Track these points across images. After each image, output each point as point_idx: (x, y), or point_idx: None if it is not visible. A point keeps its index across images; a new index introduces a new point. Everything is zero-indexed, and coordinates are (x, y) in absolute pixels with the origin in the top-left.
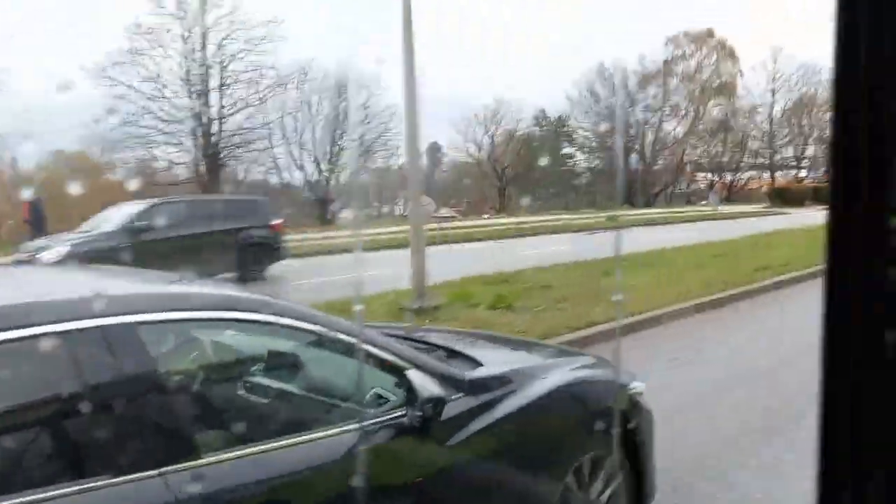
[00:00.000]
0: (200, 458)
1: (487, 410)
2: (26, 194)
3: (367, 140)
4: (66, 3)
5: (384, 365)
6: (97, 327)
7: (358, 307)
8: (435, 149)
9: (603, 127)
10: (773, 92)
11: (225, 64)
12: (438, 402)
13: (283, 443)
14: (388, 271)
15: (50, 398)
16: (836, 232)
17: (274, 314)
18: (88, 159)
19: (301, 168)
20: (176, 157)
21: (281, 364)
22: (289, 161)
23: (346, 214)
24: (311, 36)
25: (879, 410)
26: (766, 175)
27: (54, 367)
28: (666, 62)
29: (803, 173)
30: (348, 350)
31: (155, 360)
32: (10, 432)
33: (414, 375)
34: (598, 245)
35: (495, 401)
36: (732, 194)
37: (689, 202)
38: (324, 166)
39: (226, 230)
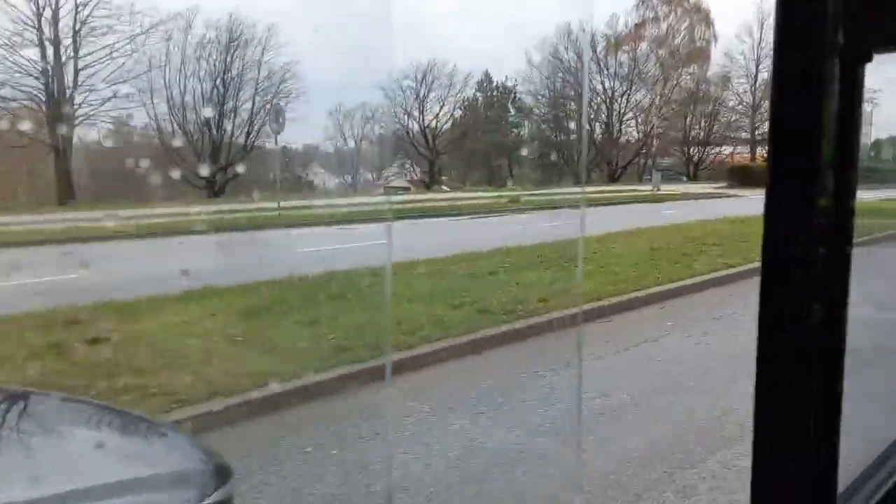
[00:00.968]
0: None
1: None
2: None
3: (260, 103)
4: None
5: None
6: None
7: None
8: (277, 111)
9: (565, 94)
10: (758, 61)
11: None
12: None
13: None
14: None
15: None
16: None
17: None
18: None
19: (184, 132)
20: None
21: None
22: (167, 123)
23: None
24: None
25: (811, 389)
26: (746, 150)
27: None
28: (637, 25)
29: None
30: None
31: None
32: None
33: None
34: (459, 236)
35: None
36: (701, 170)
37: (642, 180)
38: (206, 130)
39: None
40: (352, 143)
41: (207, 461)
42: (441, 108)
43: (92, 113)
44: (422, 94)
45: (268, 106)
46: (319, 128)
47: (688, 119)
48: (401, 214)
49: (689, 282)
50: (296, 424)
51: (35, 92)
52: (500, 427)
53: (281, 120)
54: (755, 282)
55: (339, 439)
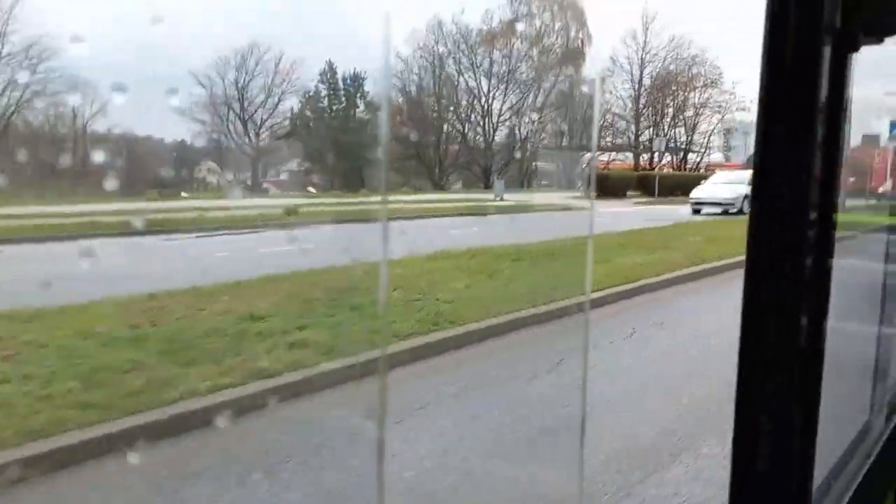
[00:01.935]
0: None
1: None
2: None
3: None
4: None
5: None
6: None
7: None
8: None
9: (432, 91)
10: (642, 65)
11: None
12: None
13: None
14: None
15: None
16: (758, 221)
17: None
18: None
19: None
20: None
21: None
22: None
23: None
24: None
25: (791, 392)
26: (625, 157)
27: None
28: (511, 21)
29: (658, 158)
30: None
31: None
32: None
33: None
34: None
35: None
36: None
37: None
38: None
39: None
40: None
41: None
42: (266, 98)
43: None
44: (242, 83)
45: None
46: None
47: (560, 122)
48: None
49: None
50: None
51: None
52: None
53: None
54: None
55: None
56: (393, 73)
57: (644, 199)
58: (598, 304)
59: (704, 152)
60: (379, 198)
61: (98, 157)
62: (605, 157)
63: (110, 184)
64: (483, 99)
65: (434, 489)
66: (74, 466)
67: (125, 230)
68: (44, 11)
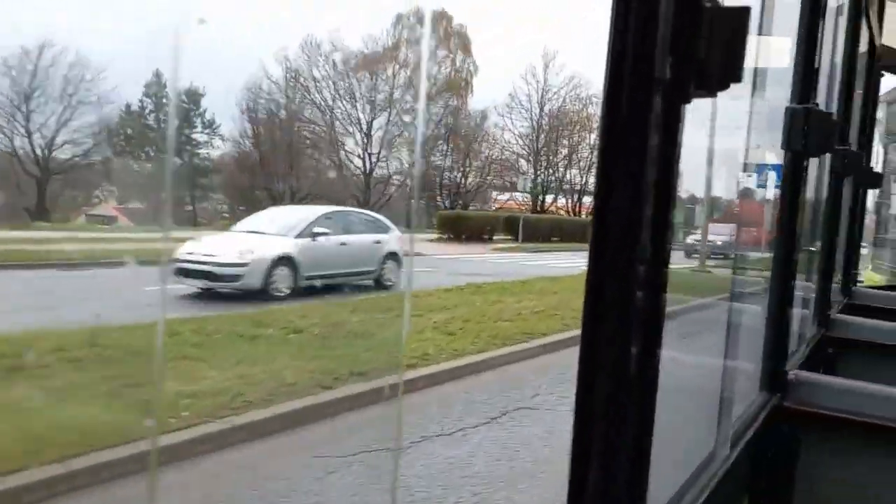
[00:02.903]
0: None
1: None
2: None
3: None
4: None
5: None
6: None
7: None
8: None
9: (295, 115)
10: (541, 103)
11: None
12: None
13: None
14: None
15: None
16: (596, 263)
17: None
18: None
19: None
20: None
21: None
22: None
23: None
24: None
25: (625, 422)
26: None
27: None
28: (392, 46)
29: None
30: None
31: None
32: None
33: None
34: None
35: None
36: None
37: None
38: None
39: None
40: None
41: None
42: (62, 111)
43: None
44: (26, 91)
45: None
46: None
47: (445, 157)
48: None
49: None
50: None
51: None
52: None
53: None
54: None
55: None
56: (254, 92)
57: (508, 245)
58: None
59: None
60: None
61: None
62: (503, 197)
63: None
64: (362, 127)
65: None
66: None
67: None
68: None
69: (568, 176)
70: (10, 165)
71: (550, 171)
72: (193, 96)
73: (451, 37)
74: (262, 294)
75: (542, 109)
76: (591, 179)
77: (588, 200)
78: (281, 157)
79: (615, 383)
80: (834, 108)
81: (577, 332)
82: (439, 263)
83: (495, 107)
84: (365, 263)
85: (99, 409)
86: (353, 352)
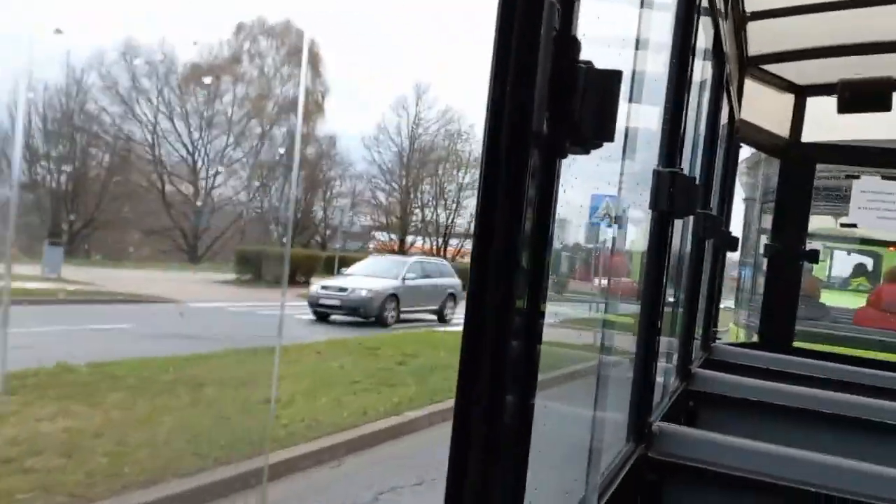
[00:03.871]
0: None
1: None
2: None
3: None
4: None
5: None
6: None
7: None
8: None
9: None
10: (412, 138)
11: None
12: None
13: None
14: None
15: None
16: (473, 309)
17: None
18: None
19: None
20: None
21: None
22: None
23: None
24: None
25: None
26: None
27: None
28: (230, 60)
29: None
30: None
31: None
32: None
33: None
34: None
35: None
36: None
37: None
38: None
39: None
40: None
41: None
42: None
43: None
44: None
45: None
46: None
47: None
48: None
49: None
50: None
51: None
52: None
53: None
54: None
55: None
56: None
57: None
58: None
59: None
60: None
61: None
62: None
63: None
64: (189, 147)
65: None
66: None
67: None
68: None
69: (433, 216)
70: None
71: (415, 208)
72: None
73: (295, 54)
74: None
75: (412, 143)
76: (460, 220)
77: (456, 242)
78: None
79: (489, 434)
80: (697, 174)
81: None
82: (177, 316)
83: (363, 138)
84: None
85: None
86: None
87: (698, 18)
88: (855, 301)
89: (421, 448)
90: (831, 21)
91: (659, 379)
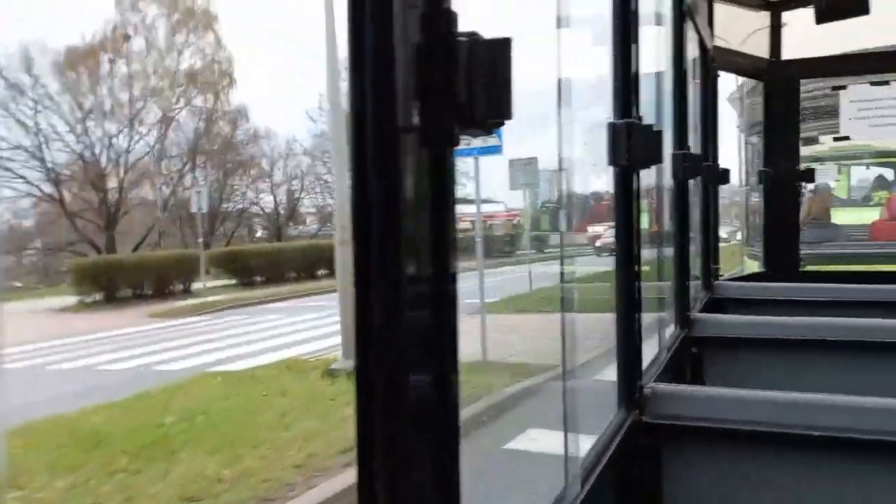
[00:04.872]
0: None
1: None
2: None
3: None
4: None
5: None
6: None
7: None
8: None
9: None
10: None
11: None
12: None
13: None
14: None
15: None
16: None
17: None
18: None
19: None
20: None
21: None
22: None
23: None
24: None
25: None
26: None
27: None
28: (116, 32)
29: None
30: None
31: None
32: None
33: None
34: None
35: None
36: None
37: None
38: None
39: None
40: None
41: None
42: None
43: None
44: None
45: None
46: None
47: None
48: None
49: None
50: None
51: None
52: None
53: None
54: None
55: None
56: None
57: (203, 300)
58: None
59: None
60: None
61: None
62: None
63: None
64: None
65: None
66: None
67: None
68: None
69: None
70: None
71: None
72: None
73: (199, 29)
74: None
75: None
76: None
77: None
78: None
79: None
80: (668, 117)
81: None
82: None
83: (307, 110)
84: None
85: None
86: None
87: None
88: (875, 216)
89: None
90: None
91: (656, 333)
